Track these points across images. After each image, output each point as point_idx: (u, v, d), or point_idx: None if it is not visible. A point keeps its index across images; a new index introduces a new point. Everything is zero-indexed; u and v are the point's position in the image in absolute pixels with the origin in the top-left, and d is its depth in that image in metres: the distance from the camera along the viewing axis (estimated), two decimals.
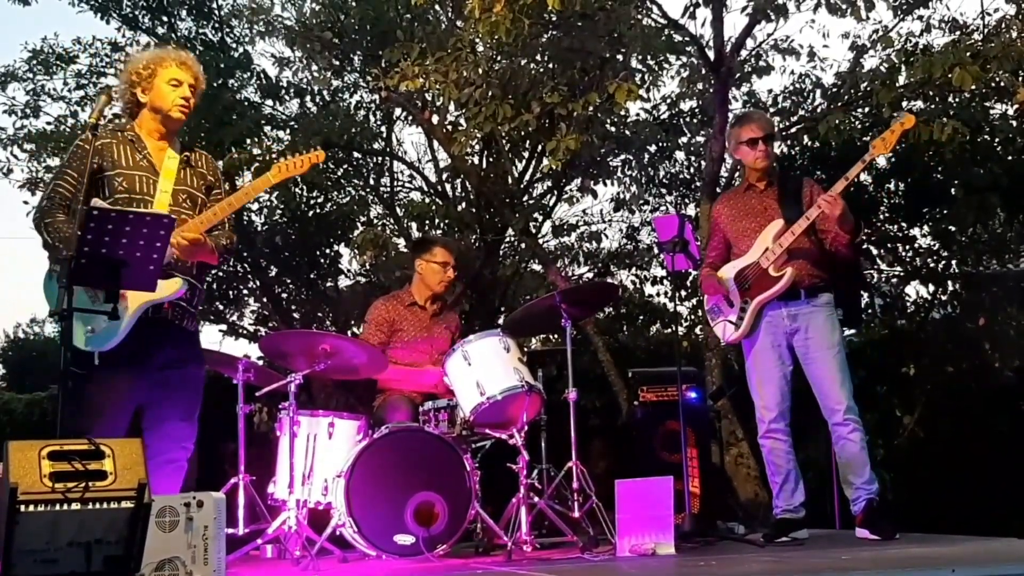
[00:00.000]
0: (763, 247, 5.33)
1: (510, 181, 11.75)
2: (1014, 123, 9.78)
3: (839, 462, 5.29)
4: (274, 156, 10.62)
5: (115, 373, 4.19)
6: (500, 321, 11.62)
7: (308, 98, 12.50)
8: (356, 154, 12.51)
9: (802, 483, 5.35)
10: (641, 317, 13.85)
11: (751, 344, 5.44)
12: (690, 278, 11.57)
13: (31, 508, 3.04)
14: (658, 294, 13.52)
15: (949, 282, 11.70)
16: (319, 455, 5.30)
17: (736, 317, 5.43)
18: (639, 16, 8.98)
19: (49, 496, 3.07)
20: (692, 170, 12.13)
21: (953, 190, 10.10)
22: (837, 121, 8.60)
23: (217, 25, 12.46)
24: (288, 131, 11.76)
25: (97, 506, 3.11)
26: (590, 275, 13.42)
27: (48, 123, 12.02)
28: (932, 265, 11.49)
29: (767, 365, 5.37)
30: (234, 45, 12.47)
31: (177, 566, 3.58)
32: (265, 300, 13.32)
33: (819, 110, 10.18)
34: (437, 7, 10.41)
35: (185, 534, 3.61)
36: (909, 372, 11.85)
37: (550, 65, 9.27)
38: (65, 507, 3.08)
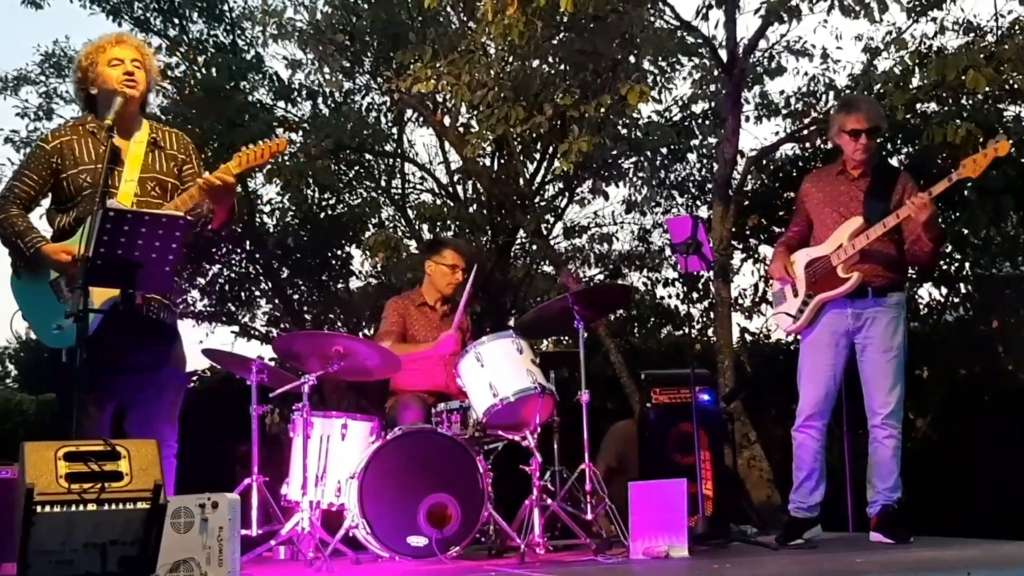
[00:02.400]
0: (838, 242, 5.21)
1: (521, 183, 11.75)
2: None
3: (869, 462, 5.24)
4: (285, 158, 10.68)
5: (94, 372, 3.93)
6: (511, 323, 11.62)
7: (320, 100, 12.53)
8: (367, 156, 12.54)
9: (824, 486, 5.28)
10: (653, 319, 13.84)
11: (808, 337, 5.36)
12: (702, 280, 11.57)
13: (47, 509, 3.05)
14: (670, 296, 13.53)
15: (962, 284, 11.66)
16: (332, 456, 5.30)
17: (796, 309, 5.34)
18: (652, 18, 8.98)
19: (65, 497, 3.08)
20: (704, 172, 12.12)
21: (967, 192, 10.06)
22: None
23: (229, 27, 12.50)
24: (300, 133, 11.79)
25: (113, 507, 3.12)
26: (601, 277, 13.42)
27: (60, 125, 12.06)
28: (945, 267, 11.44)
29: (818, 361, 5.29)
30: (246, 47, 12.52)
31: (192, 567, 3.58)
32: (277, 301, 13.35)
33: (832, 112, 10.15)
34: (449, 9, 10.42)
35: (200, 535, 3.62)
36: (922, 375, 11.80)
37: (562, 67, 9.27)
38: (81, 508, 3.09)
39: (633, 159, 11.44)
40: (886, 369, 5.17)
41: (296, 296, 13.44)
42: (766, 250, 11.67)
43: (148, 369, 4.26)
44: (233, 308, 13.38)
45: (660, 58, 9.95)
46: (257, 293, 13.53)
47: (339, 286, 13.56)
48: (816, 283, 5.29)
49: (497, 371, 5.25)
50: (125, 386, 4.25)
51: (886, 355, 5.17)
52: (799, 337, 5.47)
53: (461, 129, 11.14)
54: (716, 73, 9.89)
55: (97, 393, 4.05)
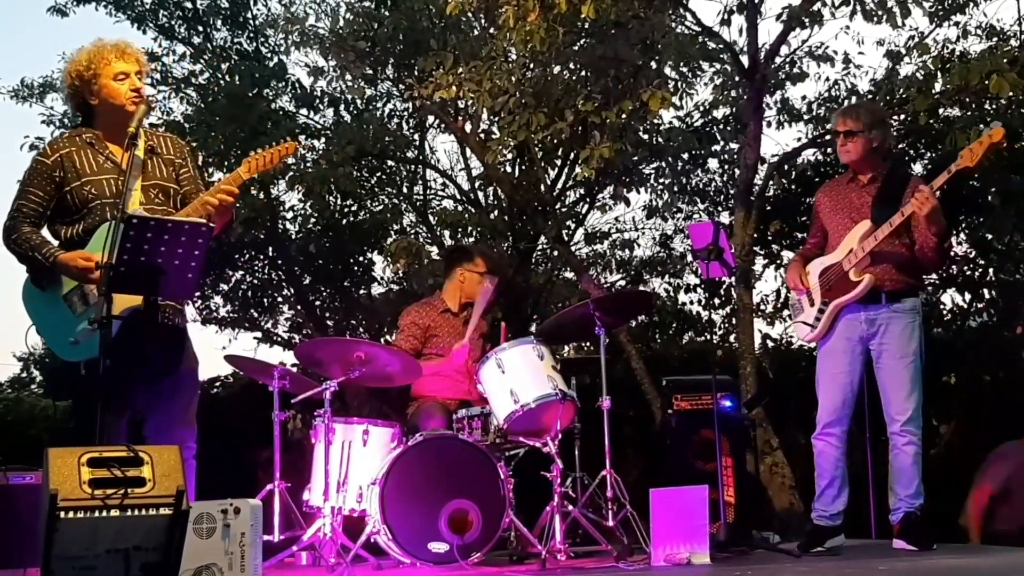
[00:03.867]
0: (848, 248, 5.22)
1: (543, 189, 11.76)
2: None
3: (890, 469, 5.21)
4: (308, 165, 10.72)
5: (111, 380, 3.88)
6: (532, 329, 11.62)
7: (342, 107, 12.58)
8: (389, 162, 12.58)
9: (846, 493, 5.24)
10: (674, 325, 13.82)
11: (824, 344, 5.35)
12: (724, 286, 11.54)
13: (71, 514, 3.07)
14: (691, 302, 13.51)
15: (986, 290, 11.60)
16: (354, 462, 5.30)
17: (813, 318, 5.33)
18: (673, 24, 8.97)
19: (88, 503, 3.09)
20: (725, 178, 12.10)
21: (990, 197, 10.02)
22: None
23: (252, 35, 12.59)
24: (322, 140, 11.84)
25: (136, 513, 3.13)
26: (623, 283, 13.42)
27: None
28: (969, 273, 11.39)
29: (835, 368, 5.27)
30: (269, 55, 12.60)
31: (214, 573, 3.60)
32: (299, 308, 13.40)
33: None
34: (470, 16, 10.44)
35: (222, 541, 3.63)
36: (951, 381, 11.74)
37: (583, 73, 9.27)
38: (104, 514, 3.10)
39: (654, 165, 11.43)
40: (902, 375, 5.14)
41: (318, 302, 13.50)
42: (788, 255, 11.64)
43: (164, 374, 4.26)
44: (256, 314, 13.45)
45: (682, 64, 9.93)
46: (279, 299, 13.60)
47: (361, 292, 13.60)
48: (830, 290, 5.29)
49: (518, 377, 5.24)
50: (142, 392, 4.23)
51: (902, 361, 5.15)
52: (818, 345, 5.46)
53: (482, 135, 11.17)
54: (737, 79, 9.87)
55: (114, 401, 4.06)
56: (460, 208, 13.20)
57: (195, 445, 4.39)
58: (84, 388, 4.01)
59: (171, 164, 4.45)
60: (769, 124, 10.77)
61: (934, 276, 11.40)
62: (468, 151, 12.51)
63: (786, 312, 11.85)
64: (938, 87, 8.63)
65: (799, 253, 5.66)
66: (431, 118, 12.29)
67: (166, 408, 4.27)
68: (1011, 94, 7.82)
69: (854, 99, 10.45)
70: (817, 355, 5.42)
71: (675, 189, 12.03)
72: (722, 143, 11.71)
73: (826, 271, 5.33)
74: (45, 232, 4.34)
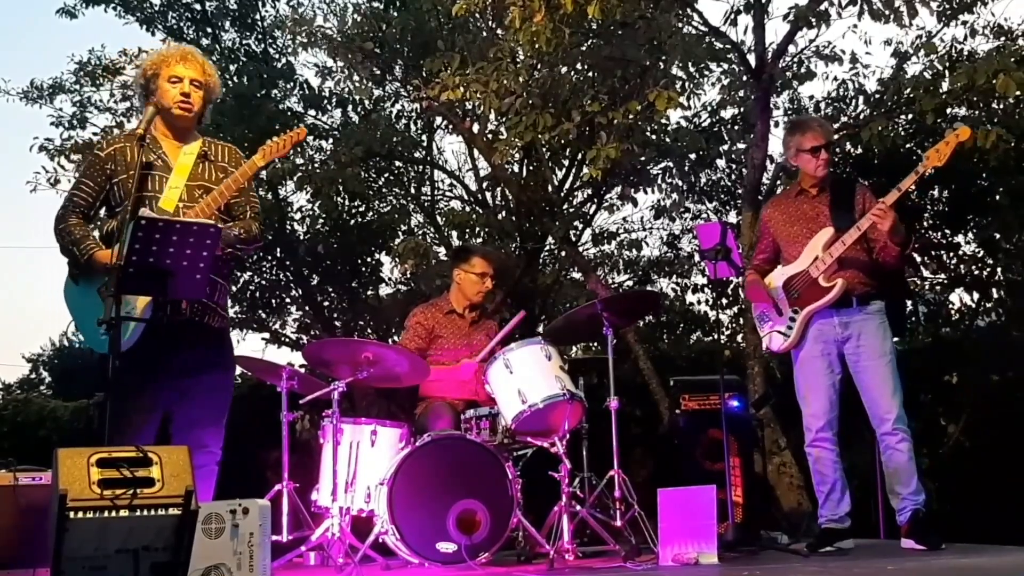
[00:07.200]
0: (813, 255, 5.28)
1: (550, 189, 11.77)
2: None
3: (886, 472, 5.22)
4: (316, 166, 10.74)
5: (139, 378, 4.06)
6: (540, 329, 11.62)
7: (350, 108, 12.60)
8: (397, 163, 12.59)
9: (848, 493, 5.28)
10: (682, 325, 13.81)
11: (799, 353, 5.40)
12: (731, 286, 11.53)
13: (80, 515, 3.08)
14: (699, 302, 13.49)
15: (994, 290, 11.58)
16: (362, 462, 5.33)
17: (785, 327, 5.39)
18: (680, 24, 8.96)
19: (98, 503, 3.10)
20: (733, 178, 12.09)
21: (998, 197, 9.99)
22: (880, 128, 8.53)
23: (260, 36, 12.61)
24: (330, 141, 11.86)
25: (145, 513, 3.14)
26: (630, 283, 13.41)
27: (95, 134, 12.11)
28: (977, 272, 11.37)
29: (815, 374, 5.32)
30: (277, 56, 12.63)
31: (223, 573, 3.61)
32: (307, 308, 13.42)
33: (862, 116, 10.10)
34: (477, 16, 10.45)
35: (231, 541, 3.64)
36: (952, 380, 11.72)
37: (590, 74, 9.28)
38: (113, 514, 3.11)
39: (662, 165, 11.43)
40: (884, 373, 5.19)
41: (326, 303, 13.52)
42: None
43: (191, 373, 4.28)
44: (264, 315, 13.46)
45: (689, 64, 9.93)
46: (288, 300, 13.60)
47: (369, 293, 13.62)
48: (799, 298, 5.36)
49: (526, 378, 5.25)
50: (170, 391, 4.28)
51: (880, 360, 5.20)
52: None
53: (490, 136, 11.17)
54: (745, 79, 9.86)
55: (142, 400, 4.09)
56: (468, 209, 13.22)
57: (219, 451, 4.40)
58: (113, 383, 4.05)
59: (223, 170, 4.50)
60: (777, 124, 10.74)
61: (942, 275, 11.40)
62: (475, 152, 12.52)
63: None
64: (945, 86, 8.61)
65: (752, 268, 5.71)
66: (439, 119, 12.31)
67: (191, 407, 4.30)
68: (1018, 93, 7.81)
69: (861, 99, 10.44)
70: (794, 366, 5.46)
71: (683, 189, 12.02)
72: (729, 143, 11.71)
73: (791, 280, 5.39)
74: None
